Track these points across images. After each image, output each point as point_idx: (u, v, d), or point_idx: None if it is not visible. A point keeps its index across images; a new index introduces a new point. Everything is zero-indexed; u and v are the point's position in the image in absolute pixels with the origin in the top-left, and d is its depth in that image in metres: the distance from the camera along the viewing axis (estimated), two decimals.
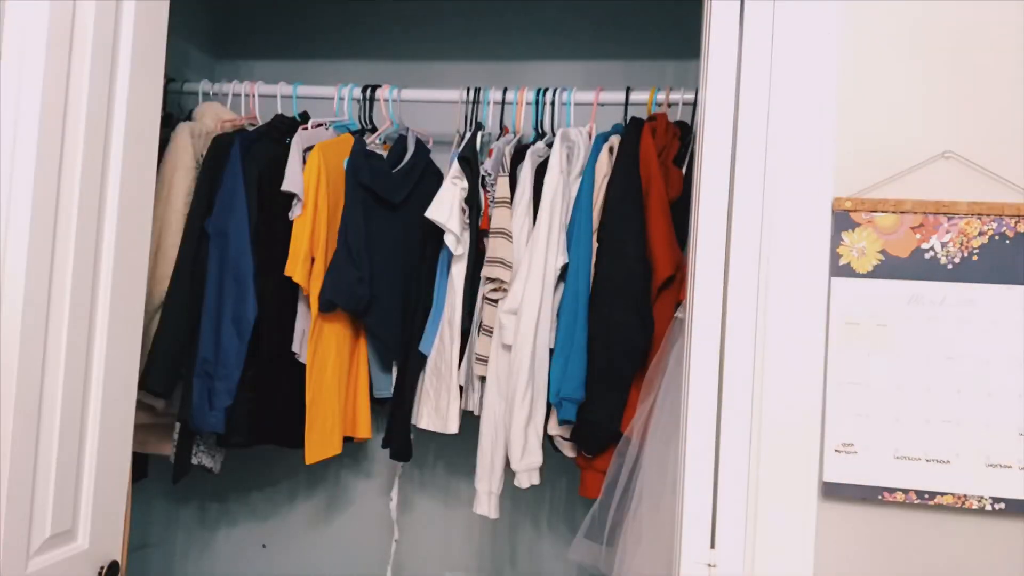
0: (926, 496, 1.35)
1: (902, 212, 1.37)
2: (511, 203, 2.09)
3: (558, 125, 2.18)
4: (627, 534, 1.73)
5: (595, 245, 2.02)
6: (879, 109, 1.40)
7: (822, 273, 1.39)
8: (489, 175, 2.14)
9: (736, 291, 1.40)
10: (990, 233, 1.35)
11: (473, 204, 2.11)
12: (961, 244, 1.36)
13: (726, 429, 1.39)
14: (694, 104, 2.04)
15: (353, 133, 2.28)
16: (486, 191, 2.14)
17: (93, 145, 1.38)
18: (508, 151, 2.14)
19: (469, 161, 2.10)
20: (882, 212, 1.38)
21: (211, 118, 2.26)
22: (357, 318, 2.22)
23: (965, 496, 1.34)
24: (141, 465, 2.27)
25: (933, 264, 1.36)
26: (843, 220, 1.38)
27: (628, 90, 2.14)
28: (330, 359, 2.17)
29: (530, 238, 2.03)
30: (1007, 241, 1.35)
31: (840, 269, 1.38)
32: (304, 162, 2.14)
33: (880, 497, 1.36)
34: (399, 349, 2.27)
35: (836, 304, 1.38)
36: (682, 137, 2.09)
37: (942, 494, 1.34)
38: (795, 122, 1.40)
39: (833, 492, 1.37)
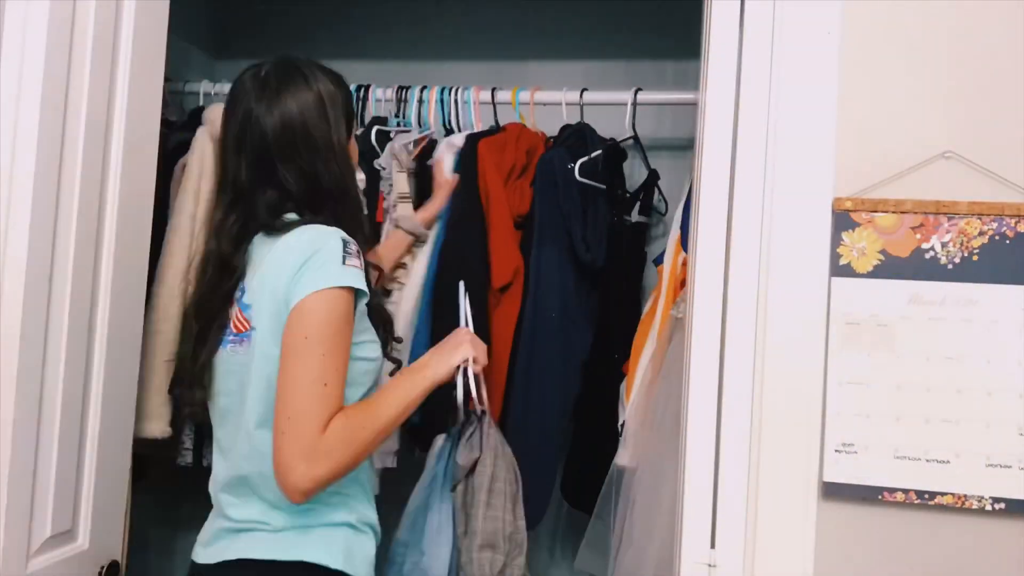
0: (926, 496, 1.35)
1: (902, 212, 1.37)
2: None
3: (464, 124, 2.23)
4: (620, 539, 1.73)
5: None
6: (880, 109, 1.40)
7: (822, 273, 1.39)
8: (383, 169, 2.14)
9: (736, 291, 1.40)
10: (990, 233, 1.35)
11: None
12: (961, 244, 1.36)
13: (726, 429, 1.39)
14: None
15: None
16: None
17: (93, 145, 1.38)
18: (408, 148, 2.16)
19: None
20: (882, 212, 1.38)
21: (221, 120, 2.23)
22: None
23: (965, 496, 1.34)
24: (141, 466, 2.27)
25: (933, 264, 1.36)
26: (843, 220, 1.38)
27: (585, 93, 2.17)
28: None
29: None
30: (1007, 241, 1.35)
31: (840, 269, 1.38)
32: None
33: (880, 497, 1.36)
34: None
35: (836, 304, 1.38)
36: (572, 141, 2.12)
37: (942, 494, 1.34)
38: (795, 122, 1.40)
39: (833, 492, 1.37)
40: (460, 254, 2.02)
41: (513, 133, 2.15)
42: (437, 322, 1.96)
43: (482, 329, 1.90)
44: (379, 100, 2.26)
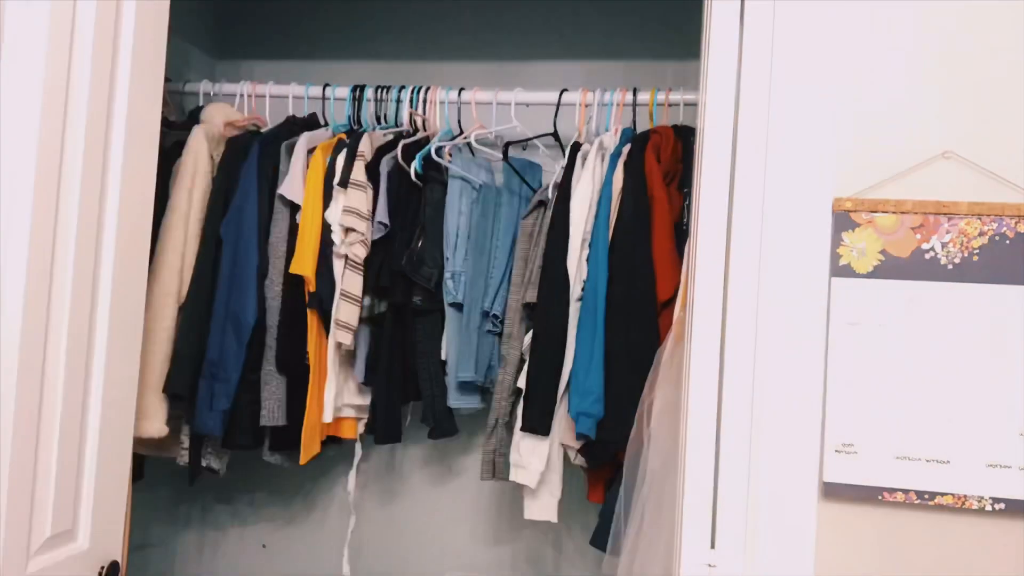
0: (926, 496, 1.35)
1: (902, 212, 1.37)
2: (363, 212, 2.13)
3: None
4: (629, 542, 1.73)
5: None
6: (879, 109, 1.40)
7: (822, 273, 1.39)
8: None
9: (736, 291, 1.40)
10: (990, 233, 1.35)
11: None
12: (961, 244, 1.36)
13: (726, 429, 1.39)
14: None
15: (346, 134, 2.27)
16: None
17: (93, 145, 1.38)
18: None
19: None
20: (882, 212, 1.38)
21: (220, 119, 2.24)
22: None
23: (965, 496, 1.34)
24: (137, 467, 2.27)
25: (933, 264, 1.36)
26: (843, 220, 1.38)
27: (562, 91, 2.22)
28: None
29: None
30: (1007, 241, 1.35)
31: (840, 269, 1.38)
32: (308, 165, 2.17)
33: (880, 497, 1.36)
34: None
35: (836, 304, 1.38)
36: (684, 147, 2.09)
37: (942, 494, 1.34)
38: (795, 122, 1.40)
39: (833, 492, 1.37)
40: (631, 266, 1.97)
41: (668, 140, 2.07)
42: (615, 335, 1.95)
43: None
44: (370, 100, 2.28)
